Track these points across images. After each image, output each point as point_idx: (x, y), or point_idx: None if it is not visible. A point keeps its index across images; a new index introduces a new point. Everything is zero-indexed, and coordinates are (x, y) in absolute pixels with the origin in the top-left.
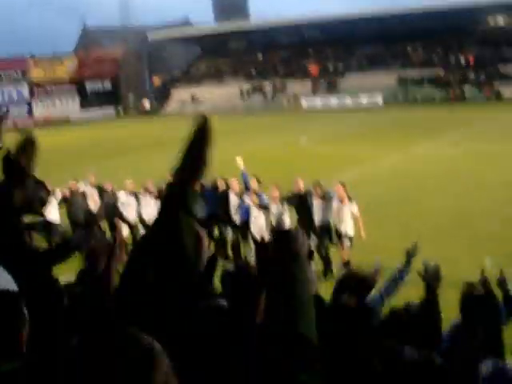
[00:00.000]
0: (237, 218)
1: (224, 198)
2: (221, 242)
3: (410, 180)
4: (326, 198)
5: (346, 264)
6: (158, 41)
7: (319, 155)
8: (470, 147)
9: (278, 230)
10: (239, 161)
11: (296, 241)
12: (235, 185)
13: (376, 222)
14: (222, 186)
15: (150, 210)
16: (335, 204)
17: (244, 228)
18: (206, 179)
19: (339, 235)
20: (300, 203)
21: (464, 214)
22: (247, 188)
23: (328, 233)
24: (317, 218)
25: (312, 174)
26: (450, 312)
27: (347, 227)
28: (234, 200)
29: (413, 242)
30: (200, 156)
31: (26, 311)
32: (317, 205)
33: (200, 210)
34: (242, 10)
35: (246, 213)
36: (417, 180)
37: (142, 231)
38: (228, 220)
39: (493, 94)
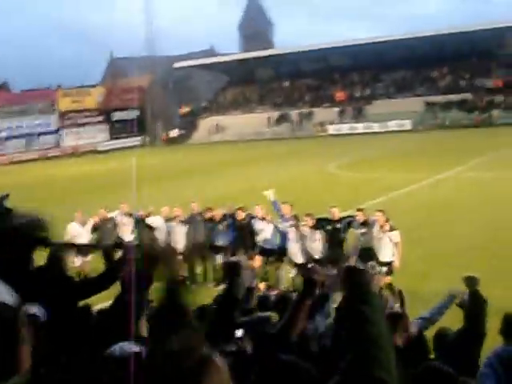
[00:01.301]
0: (265, 244)
1: (246, 226)
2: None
3: (440, 205)
4: (368, 225)
5: (390, 286)
6: (184, 70)
7: (348, 181)
8: (499, 172)
9: (349, 268)
10: (269, 193)
11: (366, 279)
12: (259, 211)
13: (406, 245)
14: (241, 215)
15: (179, 236)
16: (375, 231)
17: (280, 254)
18: (226, 208)
19: (379, 262)
20: (333, 230)
21: (494, 238)
22: (281, 216)
23: (371, 258)
24: (359, 243)
25: (341, 199)
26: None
27: (386, 254)
28: (260, 226)
29: (455, 289)
30: None
31: (26, 325)
32: (360, 231)
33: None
34: (267, 39)
35: (284, 237)
36: (447, 205)
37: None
38: (253, 247)
39: None
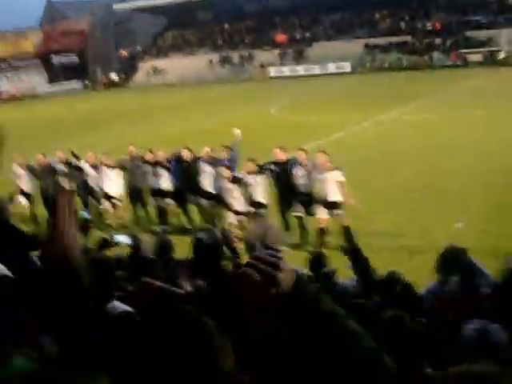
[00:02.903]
0: (208, 187)
1: (193, 168)
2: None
3: (379, 147)
4: (307, 166)
5: (347, 229)
6: (124, 12)
7: (289, 124)
8: (436, 112)
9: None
10: (237, 132)
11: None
12: (208, 153)
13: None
14: (187, 156)
15: (110, 182)
16: (317, 173)
17: (219, 197)
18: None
19: (328, 204)
20: (282, 172)
21: (433, 177)
22: (232, 160)
23: (312, 202)
24: (302, 186)
25: (283, 142)
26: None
27: (333, 195)
28: (207, 169)
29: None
30: None
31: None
32: (302, 173)
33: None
34: None
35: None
36: (385, 147)
37: (106, 204)
38: (199, 190)
39: (459, 59)
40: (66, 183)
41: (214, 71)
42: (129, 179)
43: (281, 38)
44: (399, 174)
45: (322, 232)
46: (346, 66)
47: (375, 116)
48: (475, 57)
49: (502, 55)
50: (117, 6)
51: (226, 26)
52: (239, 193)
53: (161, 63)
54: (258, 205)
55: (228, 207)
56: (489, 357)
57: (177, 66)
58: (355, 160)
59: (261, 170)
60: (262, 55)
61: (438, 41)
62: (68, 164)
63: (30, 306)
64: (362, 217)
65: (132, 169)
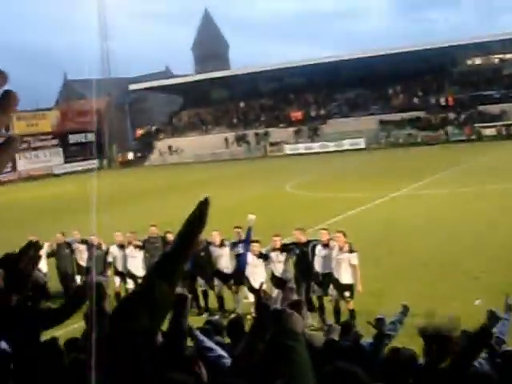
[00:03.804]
0: (226, 269)
1: (204, 252)
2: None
3: (396, 223)
4: (330, 247)
5: (352, 312)
6: (140, 92)
7: (305, 201)
8: (454, 189)
9: (274, 310)
10: (251, 219)
11: (295, 320)
12: (216, 237)
13: (363, 264)
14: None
15: (136, 261)
16: (335, 253)
17: (238, 278)
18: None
19: (338, 286)
20: (301, 253)
21: (450, 253)
22: (246, 242)
23: (330, 283)
24: (320, 266)
25: (299, 220)
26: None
27: (344, 277)
28: (218, 251)
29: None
30: (194, 238)
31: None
32: (324, 254)
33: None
34: (222, 59)
35: (242, 263)
36: (404, 222)
37: (130, 283)
38: (214, 273)
39: (474, 133)
40: (84, 262)
41: (230, 149)
42: (149, 260)
43: (296, 114)
44: (414, 250)
45: (351, 313)
46: (361, 143)
47: (391, 192)
48: (489, 131)
49: None
50: (132, 86)
51: (242, 104)
52: (263, 271)
53: (176, 142)
54: (280, 282)
55: (250, 285)
56: None
57: (192, 144)
58: (371, 236)
59: (284, 248)
60: (278, 133)
61: (451, 115)
62: (86, 243)
63: None
64: (376, 294)
65: (151, 250)
